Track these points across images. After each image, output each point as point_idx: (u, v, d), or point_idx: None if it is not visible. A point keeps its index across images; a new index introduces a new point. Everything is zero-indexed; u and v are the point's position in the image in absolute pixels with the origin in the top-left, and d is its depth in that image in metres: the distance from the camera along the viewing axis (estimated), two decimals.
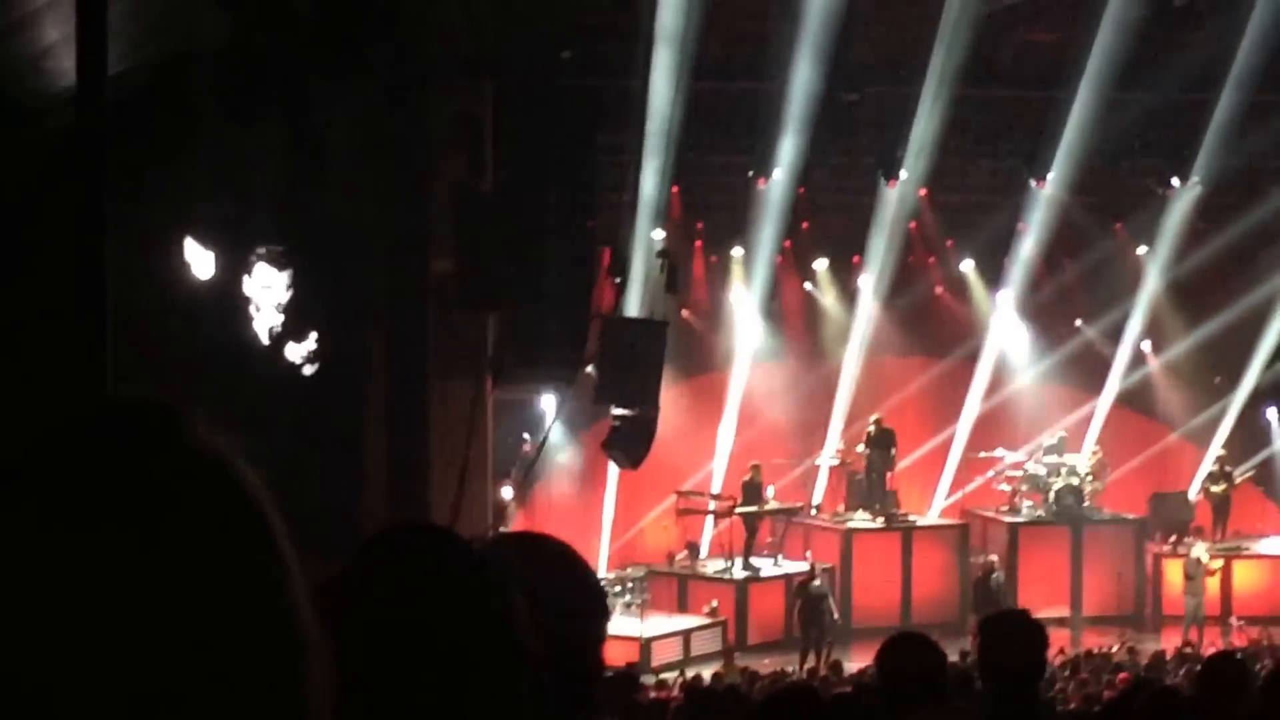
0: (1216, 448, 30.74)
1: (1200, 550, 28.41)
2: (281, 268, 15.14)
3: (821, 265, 31.73)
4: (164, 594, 1.17)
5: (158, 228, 14.00)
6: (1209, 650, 23.01)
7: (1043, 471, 29.80)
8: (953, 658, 20.40)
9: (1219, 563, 28.45)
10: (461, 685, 2.19)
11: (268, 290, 15.19)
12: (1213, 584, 28.52)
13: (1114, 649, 24.38)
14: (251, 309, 15.23)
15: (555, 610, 2.41)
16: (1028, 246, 30.11)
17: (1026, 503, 29.98)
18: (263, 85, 13.96)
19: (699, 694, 13.85)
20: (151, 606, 1.16)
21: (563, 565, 2.79)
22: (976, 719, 6.37)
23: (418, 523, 2.54)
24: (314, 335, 15.39)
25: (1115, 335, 31.12)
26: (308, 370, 15.30)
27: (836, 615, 26.65)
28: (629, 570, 28.92)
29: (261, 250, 15.06)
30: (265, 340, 15.19)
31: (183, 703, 1.17)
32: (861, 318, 30.82)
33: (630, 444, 21.59)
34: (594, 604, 2.82)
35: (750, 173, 28.24)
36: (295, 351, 15.35)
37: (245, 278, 15.14)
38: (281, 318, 15.25)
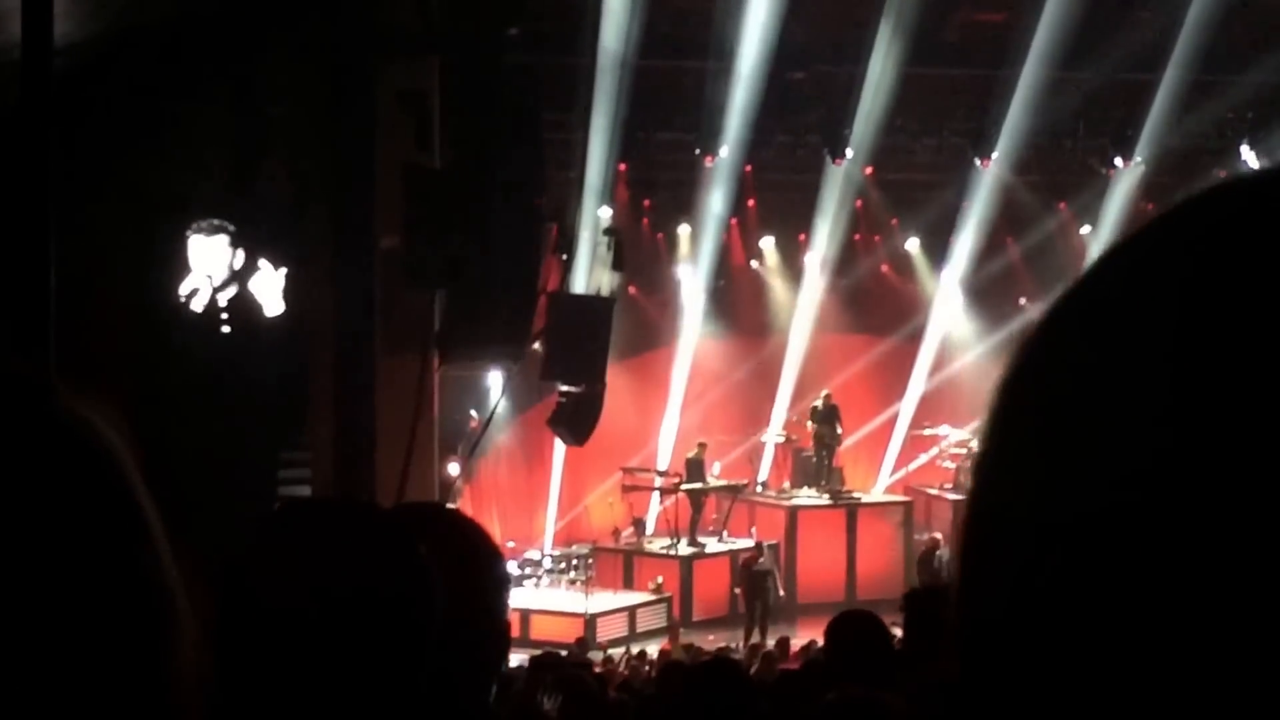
0: None
1: None
2: (230, 243, 15.11)
3: (768, 243, 31.81)
4: (13, 562, 1.15)
5: (104, 201, 13.93)
6: None
7: None
8: (896, 632, 20.54)
9: None
10: (368, 656, 2.21)
11: (212, 263, 15.17)
12: None
13: None
14: (195, 282, 15.20)
15: (455, 580, 2.42)
16: (972, 225, 30.24)
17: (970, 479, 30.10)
18: (209, 60, 13.90)
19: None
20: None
21: (460, 536, 2.80)
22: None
23: (323, 496, 2.57)
24: (258, 309, 15.36)
25: None
26: (250, 342, 15.27)
27: (781, 592, 26.76)
28: (574, 547, 28.99)
29: (205, 223, 15.02)
30: (203, 312, 15.17)
31: (35, 672, 1.14)
32: (807, 295, 30.93)
33: (576, 421, 21.58)
34: (493, 574, 2.83)
35: (697, 150, 28.28)
36: (237, 324, 15.32)
37: (189, 249, 15.10)
38: (228, 291, 15.22)
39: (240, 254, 15.30)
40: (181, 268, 15.21)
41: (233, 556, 2.29)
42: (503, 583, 2.87)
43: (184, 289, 15.25)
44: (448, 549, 2.52)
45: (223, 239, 15.24)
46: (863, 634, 6.70)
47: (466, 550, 2.75)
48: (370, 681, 2.21)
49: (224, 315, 15.36)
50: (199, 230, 15.14)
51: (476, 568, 2.76)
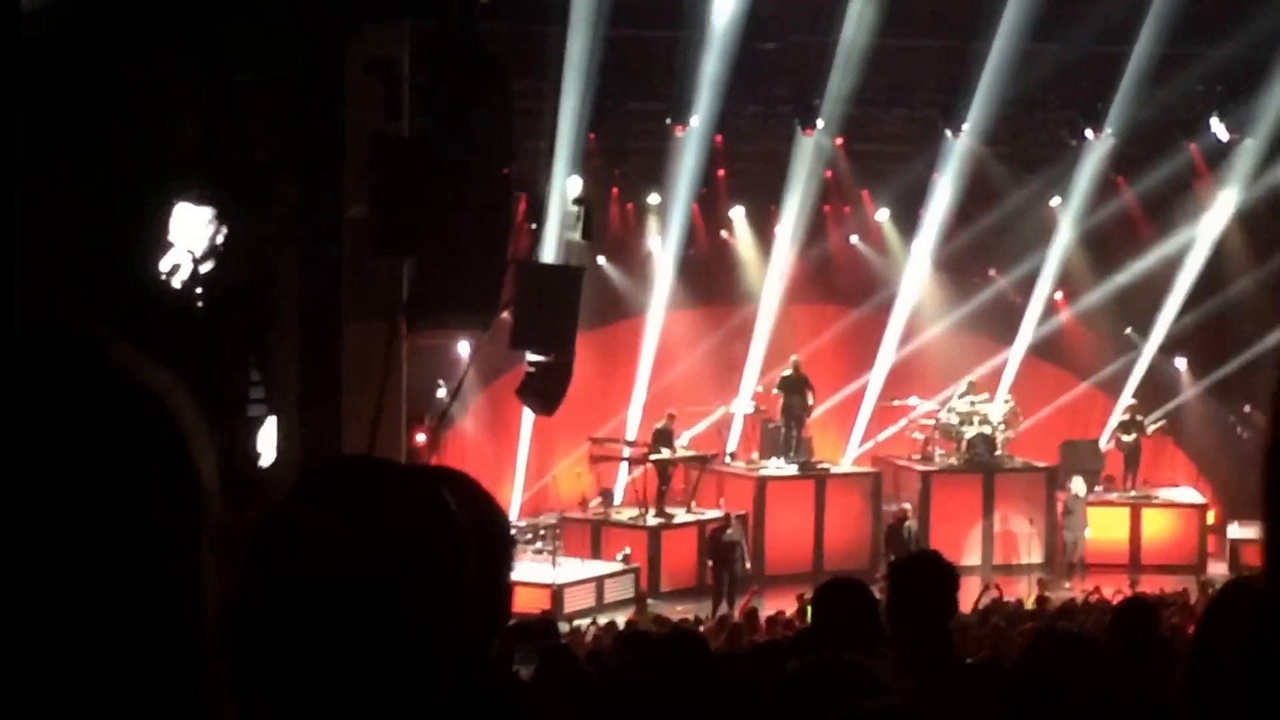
0: (1127, 397, 31.06)
1: (1079, 485, 28.81)
2: (214, 216, 15.03)
3: (738, 213, 31.78)
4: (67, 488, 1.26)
5: (71, 170, 13.85)
6: (1103, 594, 23.35)
7: (955, 420, 30.01)
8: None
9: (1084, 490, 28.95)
10: (402, 611, 2.20)
11: (193, 237, 15.08)
12: (1117, 529, 29.02)
13: (1026, 597, 24.61)
14: (176, 257, 15.11)
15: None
16: (942, 196, 30.24)
17: (939, 451, 30.19)
18: (177, 27, 13.80)
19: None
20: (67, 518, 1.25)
21: (468, 499, 2.78)
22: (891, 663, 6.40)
23: (357, 456, 2.56)
24: (225, 277, 15.28)
25: (1028, 285, 31.36)
26: (217, 310, 15.20)
27: (749, 563, 26.79)
28: (542, 517, 28.99)
29: (193, 193, 14.93)
30: (175, 283, 15.08)
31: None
32: (777, 266, 30.90)
33: (545, 390, 21.55)
34: (501, 538, 2.81)
35: (667, 120, 28.23)
36: (206, 292, 15.24)
37: (172, 220, 15.00)
38: (200, 262, 15.13)
39: (223, 229, 15.21)
40: (157, 242, 15.12)
41: (266, 513, 2.29)
42: (509, 545, 2.87)
43: (164, 264, 15.14)
44: (462, 510, 2.52)
45: (208, 211, 15.14)
46: (849, 603, 6.69)
47: (475, 511, 2.74)
48: (392, 645, 2.20)
49: (198, 290, 15.28)
50: (186, 199, 15.04)
51: (487, 529, 2.75)
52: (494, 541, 2.78)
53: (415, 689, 2.23)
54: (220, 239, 15.20)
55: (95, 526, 1.25)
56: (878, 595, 6.90)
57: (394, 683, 2.20)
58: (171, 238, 15.07)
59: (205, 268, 15.18)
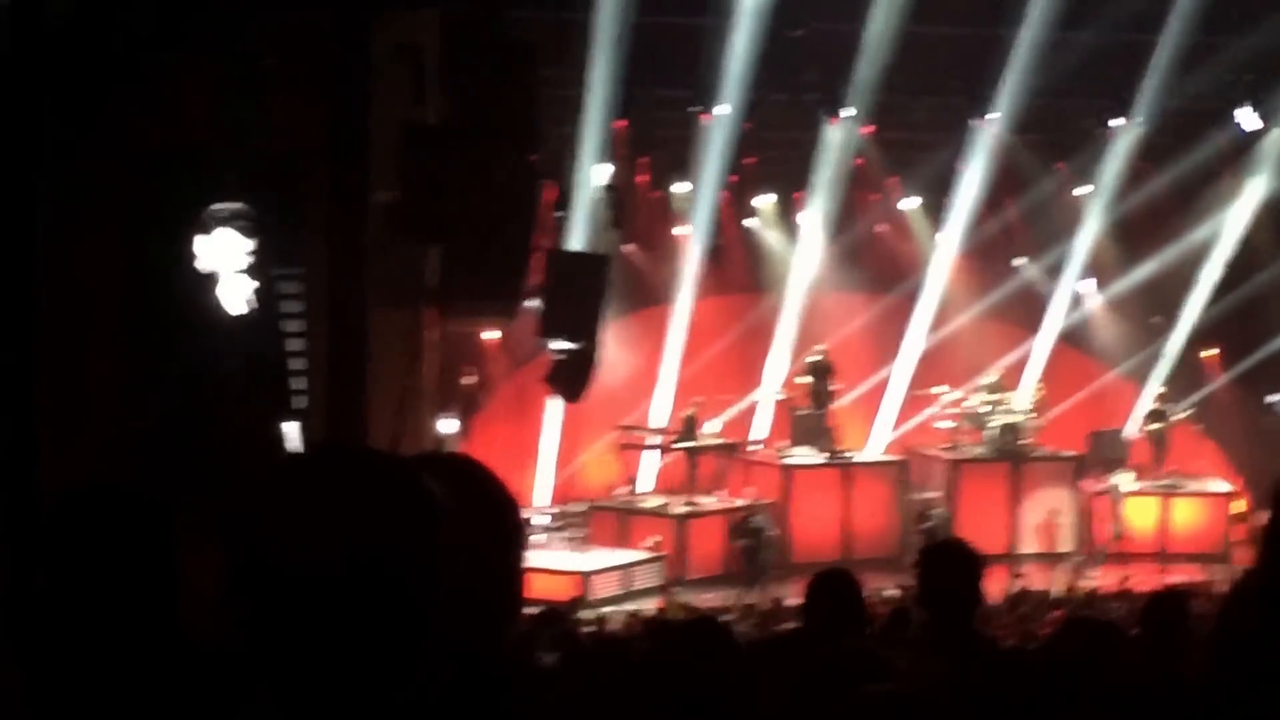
0: (1155, 386, 30.96)
1: (1123, 479, 28.75)
2: (250, 233, 15.04)
3: (765, 201, 31.73)
4: None
5: (99, 158, 13.85)
6: (1135, 584, 23.29)
7: (983, 409, 29.93)
8: (892, 592, 20.55)
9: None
10: (374, 607, 2.20)
11: (229, 246, 15.08)
12: (1145, 518, 28.93)
13: (1053, 586, 24.56)
14: (200, 243, 15.12)
15: (474, 533, 2.38)
16: (970, 185, 30.13)
17: (966, 440, 30.13)
18: (203, 13, 13.81)
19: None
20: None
21: (475, 487, 2.76)
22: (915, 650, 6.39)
23: (346, 442, 2.55)
24: (255, 265, 15.29)
25: (1056, 274, 31.26)
26: (244, 307, 15.19)
27: (776, 551, 26.78)
28: (570, 504, 28.97)
29: (230, 208, 14.92)
30: (204, 270, 15.09)
31: None
32: (804, 254, 30.84)
33: (572, 378, 21.56)
34: (510, 526, 2.79)
35: (695, 108, 28.17)
36: (232, 290, 15.24)
37: (197, 234, 15.01)
38: (231, 263, 15.14)
39: (252, 243, 15.19)
40: (186, 232, 15.13)
41: (242, 507, 2.29)
42: (518, 533, 2.83)
43: (195, 254, 15.13)
44: (464, 499, 2.49)
45: (232, 232, 15.14)
46: (837, 593, 6.71)
47: (482, 500, 2.72)
48: (376, 633, 2.21)
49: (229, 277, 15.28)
50: (214, 186, 15.04)
51: (492, 518, 2.73)
52: (502, 529, 2.75)
53: (399, 677, 2.23)
54: (249, 229, 15.21)
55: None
56: (906, 583, 6.93)
57: (376, 671, 2.21)
58: (201, 230, 15.10)
59: (235, 258, 15.20)
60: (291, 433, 15.30)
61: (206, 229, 14.99)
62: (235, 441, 13.95)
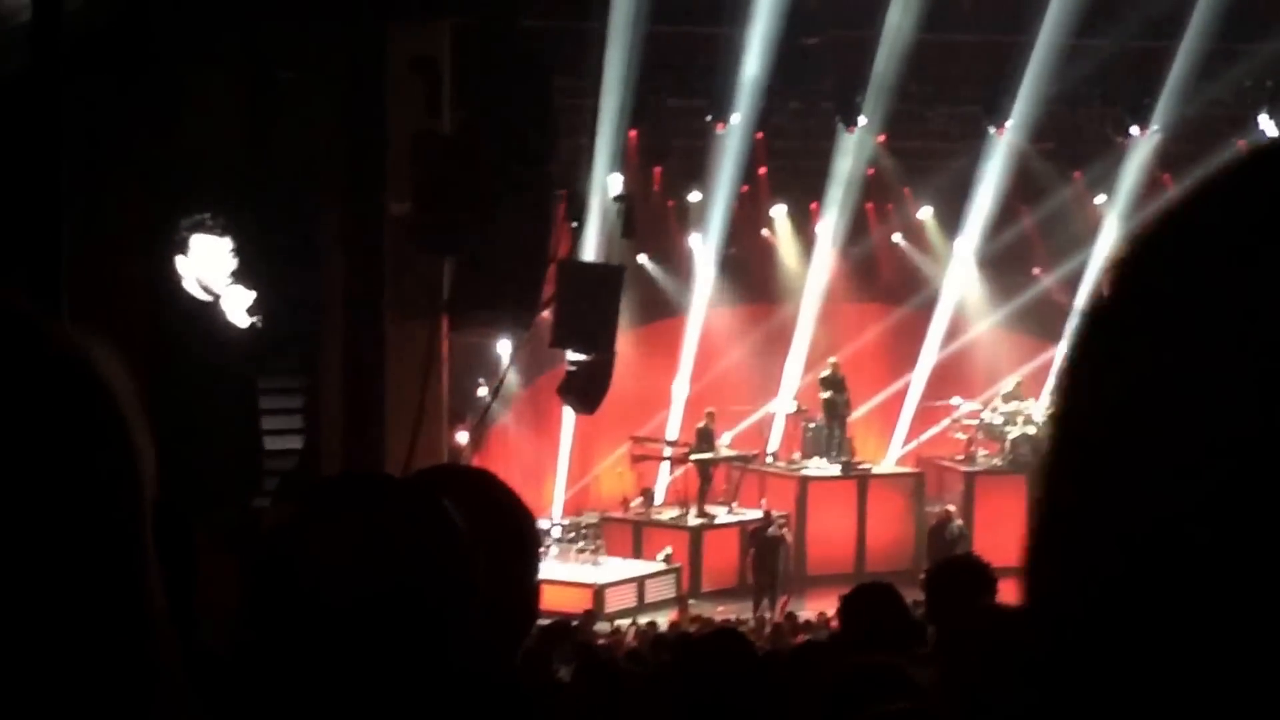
0: None
1: None
2: (221, 233, 15.00)
3: (779, 211, 31.65)
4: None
5: (116, 169, 13.83)
6: None
7: (999, 420, 29.83)
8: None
9: None
10: (401, 634, 2.18)
11: (209, 253, 15.06)
12: None
13: None
14: (191, 271, 15.09)
15: (488, 546, 2.35)
16: (986, 194, 30.05)
17: (982, 451, 30.02)
18: (220, 25, 13.78)
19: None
20: None
21: (489, 500, 2.72)
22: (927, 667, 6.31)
23: (357, 472, 2.56)
24: (257, 286, 15.27)
25: (1073, 284, 31.15)
26: (251, 321, 15.17)
27: (790, 563, 26.70)
28: (584, 516, 28.91)
29: (199, 218, 14.90)
30: (207, 296, 15.07)
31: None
32: (819, 264, 30.78)
33: (586, 389, 21.53)
34: (524, 539, 2.76)
35: (709, 117, 28.11)
36: (239, 304, 15.21)
37: (187, 235, 14.99)
38: (226, 278, 15.11)
39: (231, 242, 15.18)
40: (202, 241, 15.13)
41: (266, 532, 2.29)
42: (533, 546, 2.80)
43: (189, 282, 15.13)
44: (478, 512, 2.45)
45: (226, 241, 15.13)
46: (877, 606, 6.63)
47: (497, 514, 2.67)
48: (402, 658, 2.18)
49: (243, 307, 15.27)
50: (202, 229, 15.02)
51: (507, 531, 2.69)
52: (516, 542, 2.72)
53: (428, 698, 2.21)
54: (220, 228, 15.18)
55: (40, 508, 1.15)
56: (919, 597, 6.85)
57: (406, 693, 2.19)
58: (179, 250, 15.09)
59: (221, 263, 15.18)
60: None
61: (184, 248, 14.97)
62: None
